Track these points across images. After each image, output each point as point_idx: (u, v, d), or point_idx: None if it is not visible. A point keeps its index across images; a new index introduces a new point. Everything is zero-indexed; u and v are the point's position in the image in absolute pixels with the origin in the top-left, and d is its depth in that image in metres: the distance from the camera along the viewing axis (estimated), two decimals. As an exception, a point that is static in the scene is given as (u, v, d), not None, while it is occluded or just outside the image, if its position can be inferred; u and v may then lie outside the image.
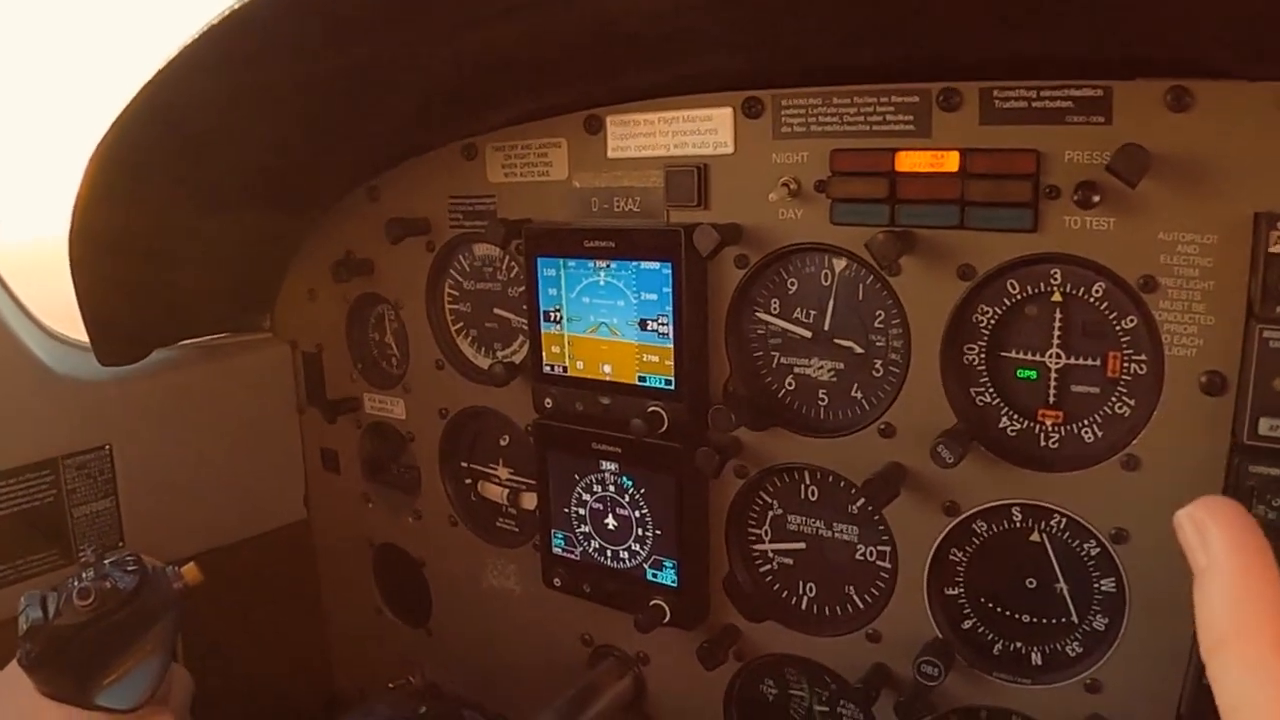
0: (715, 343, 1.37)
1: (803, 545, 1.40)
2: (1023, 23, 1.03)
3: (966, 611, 1.27)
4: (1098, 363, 1.13)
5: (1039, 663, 1.23)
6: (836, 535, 1.36)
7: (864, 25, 1.13)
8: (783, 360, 1.35)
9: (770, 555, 1.43)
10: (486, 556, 1.72)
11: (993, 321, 1.18)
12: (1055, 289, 1.13)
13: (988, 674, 1.24)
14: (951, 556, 1.26)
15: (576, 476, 1.50)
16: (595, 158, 1.42)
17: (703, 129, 1.32)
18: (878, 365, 1.28)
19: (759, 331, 1.36)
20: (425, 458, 1.77)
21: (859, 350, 1.29)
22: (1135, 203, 1.04)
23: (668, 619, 1.42)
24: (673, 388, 1.36)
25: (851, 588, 1.37)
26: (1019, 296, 1.15)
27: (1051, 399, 1.17)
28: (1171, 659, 1.08)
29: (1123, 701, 1.15)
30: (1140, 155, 0.99)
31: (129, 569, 1.24)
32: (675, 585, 1.43)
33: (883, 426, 1.25)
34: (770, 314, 1.34)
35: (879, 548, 1.33)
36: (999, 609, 1.25)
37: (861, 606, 1.36)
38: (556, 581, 1.56)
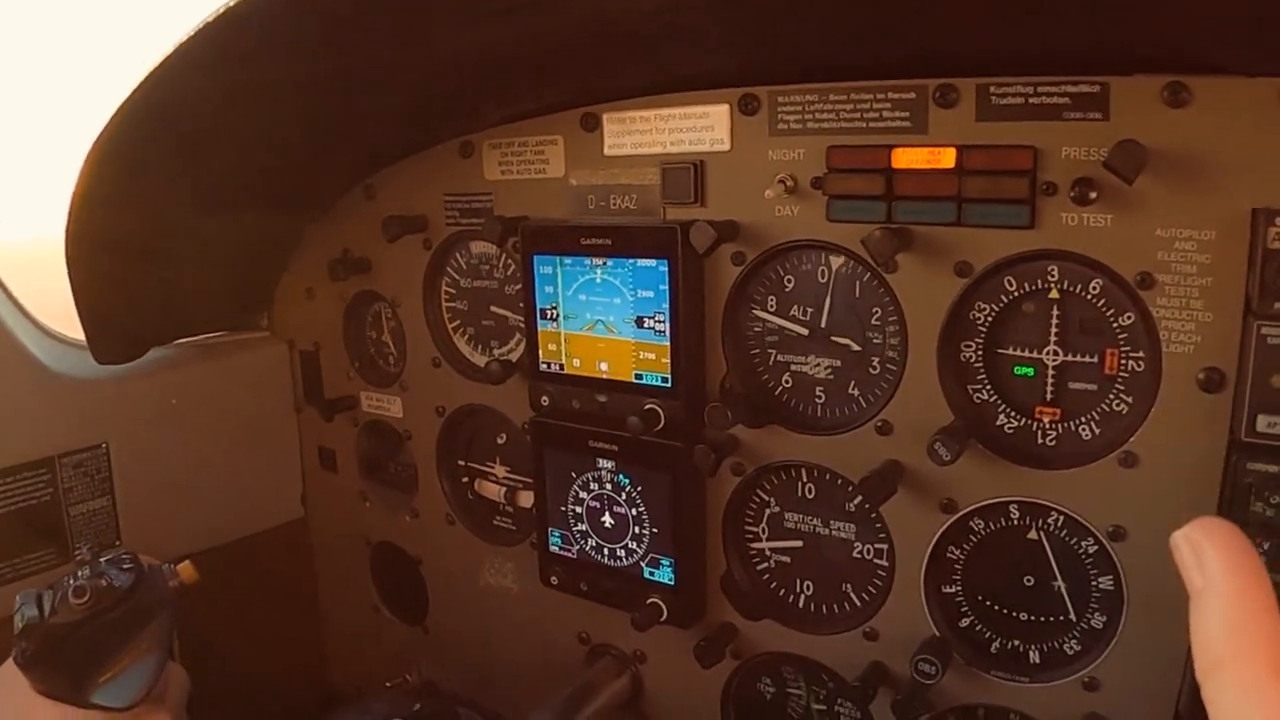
0: (712, 340, 1.36)
1: (800, 543, 1.39)
2: (1020, 19, 1.02)
3: (964, 609, 1.27)
4: (1095, 360, 1.13)
5: (1037, 661, 1.23)
6: (834, 533, 1.36)
7: (861, 23, 1.12)
8: (780, 358, 1.35)
9: (767, 553, 1.43)
10: (483, 555, 1.72)
11: (990, 319, 1.17)
12: (1053, 286, 1.13)
13: (985, 672, 1.24)
14: (949, 554, 1.26)
15: (573, 474, 1.49)
16: (592, 155, 1.42)
17: (699, 126, 1.31)
18: (875, 363, 1.27)
19: (756, 329, 1.36)
20: (422, 456, 1.76)
21: (856, 348, 1.28)
22: (1133, 199, 1.04)
23: (665, 617, 1.42)
24: (669, 385, 1.35)
25: (849, 586, 1.36)
26: (1016, 293, 1.15)
27: (1049, 396, 1.16)
28: (1169, 657, 1.08)
29: (1121, 699, 1.15)
30: (1137, 151, 0.99)
31: (125, 567, 1.24)
32: (672, 583, 1.43)
33: (880, 424, 1.25)
34: (767, 311, 1.34)
35: (876, 546, 1.32)
36: (997, 607, 1.25)
37: (859, 604, 1.36)
38: (553, 580, 1.56)
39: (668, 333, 1.34)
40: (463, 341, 1.69)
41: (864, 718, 1.38)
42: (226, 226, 1.63)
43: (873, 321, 1.26)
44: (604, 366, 1.41)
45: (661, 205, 1.37)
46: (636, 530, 1.45)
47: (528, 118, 1.47)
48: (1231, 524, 0.53)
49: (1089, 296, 1.11)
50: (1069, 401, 1.15)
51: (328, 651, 2.07)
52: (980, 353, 1.19)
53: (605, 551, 1.49)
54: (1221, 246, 1.01)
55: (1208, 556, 0.52)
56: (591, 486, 1.48)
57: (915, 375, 1.21)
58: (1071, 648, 1.20)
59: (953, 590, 1.27)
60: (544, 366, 1.47)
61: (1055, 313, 1.14)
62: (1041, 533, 1.20)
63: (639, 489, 1.43)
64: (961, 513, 1.22)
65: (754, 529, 1.43)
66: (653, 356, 1.36)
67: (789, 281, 1.32)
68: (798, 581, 1.41)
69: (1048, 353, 1.16)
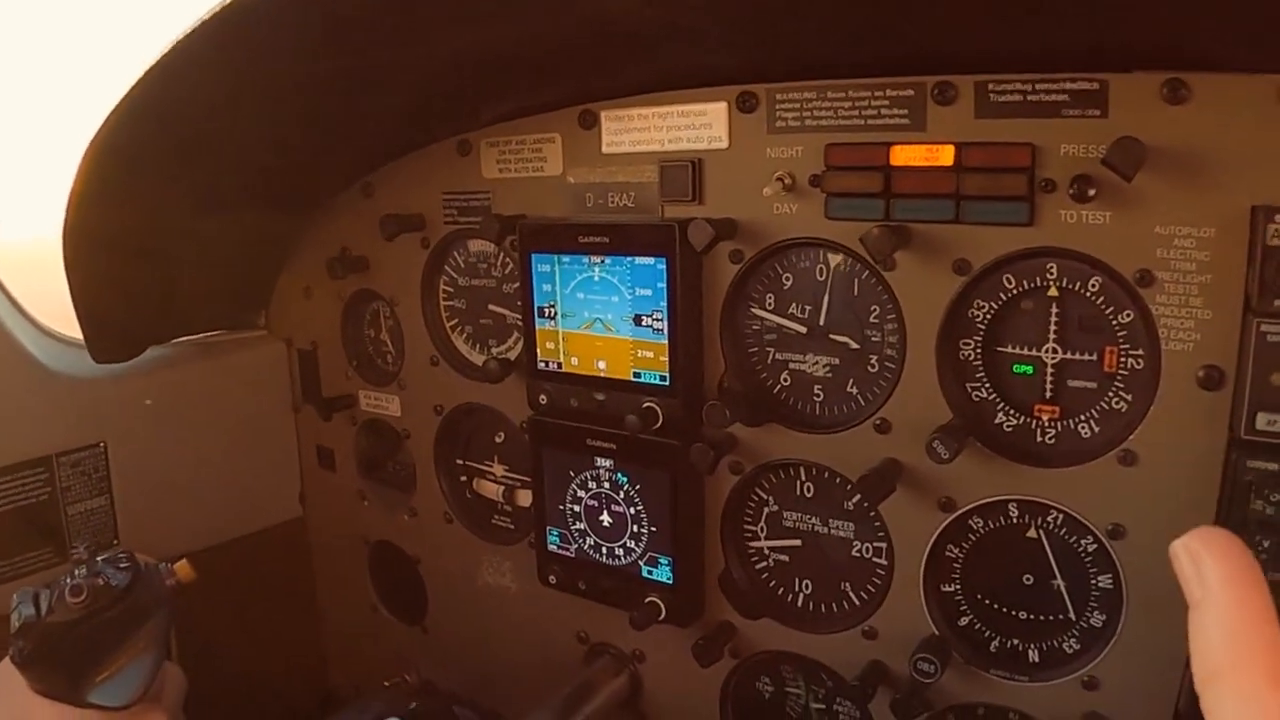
0: (710, 338, 1.36)
1: (798, 542, 1.39)
2: (1018, 16, 1.02)
3: (963, 608, 1.26)
4: (1094, 358, 1.13)
5: (1036, 660, 1.22)
6: (832, 532, 1.36)
7: (860, 22, 1.12)
8: (778, 356, 1.34)
9: (766, 552, 1.42)
10: (482, 554, 1.72)
11: (989, 316, 1.17)
12: (1051, 283, 1.13)
13: (985, 671, 1.23)
14: (948, 553, 1.25)
15: (571, 473, 1.49)
16: (590, 153, 1.42)
17: (697, 124, 1.31)
18: (873, 361, 1.27)
19: (754, 327, 1.35)
20: (420, 455, 1.76)
21: (854, 346, 1.28)
22: (1131, 196, 1.04)
23: (663, 616, 1.42)
24: (667, 384, 1.35)
25: (847, 584, 1.36)
26: (1015, 291, 1.15)
27: (1048, 394, 1.16)
28: (1169, 655, 1.07)
29: (1120, 698, 1.14)
30: (1136, 148, 0.99)
31: (121, 566, 1.24)
32: (670, 582, 1.43)
33: (878, 422, 1.24)
34: (765, 309, 1.33)
35: (875, 544, 1.32)
36: (996, 606, 1.25)
37: (858, 603, 1.36)
38: (552, 579, 1.56)
39: (666, 331, 1.34)
40: (461, 340, 1.69)
41: (863, 717, 1.38)
42: (224, 225, 1.63)
43: (871, 319, 1.26)
44: (602, 365, 1.41)
45: (659, 203, 1.36)
46: (635, 529, 1.45)
47: (525, 115, 1.47)
48: (1231, 534, 0.53)
49: (1088, 294, 1.11)
50: (1068, 399, 1.15)
51: (326, 651, 2.06)
52: (979, 351, 1.19)
53: (603, 550, 1.49)
54: (1221, 244, 1.00)
55: (1207, 566, 0.52)
56: (590, 485, 1.48)
57: (914, 373, 1.21)
58: (1071, 646, 1.19)
59: (952, 589, 1.26)
60: (542, 365, 1.47)
61: (1054, 310, 1.14)
62: (1041, 531, 1.19)
63: (637, 488, 1.43)
64: (960, 511, 1.21)
65: (752, 528, 1.43)
66: (651, 355, 1.36)
67: (787, 279, 1.31)
68: (796, 580, 1.41)
69: (1047, 350, 1.15)
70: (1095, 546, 1.15)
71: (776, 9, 1.09)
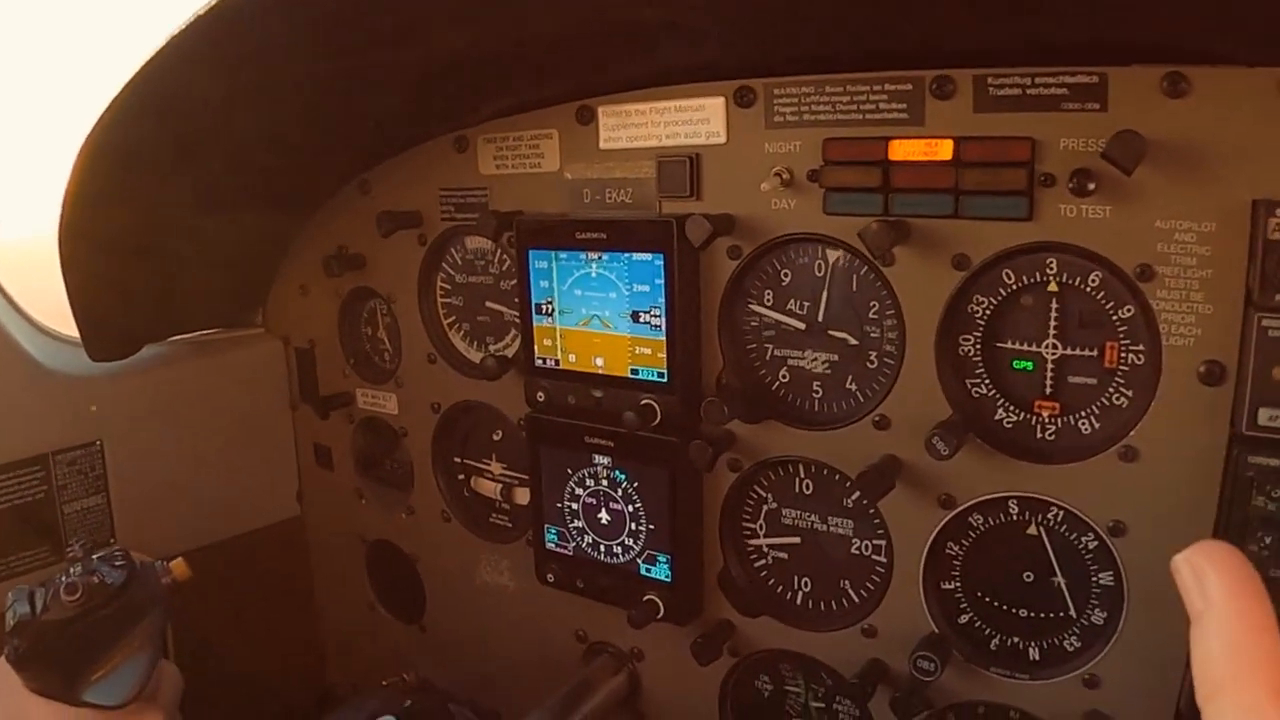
0: (708, 335, 1.35)
1: (797, 539, 1.38)
2: (1017, 8, 1.01)
3: (963, 606, 1.25)
4: (1095, 353, 1.12)
5: (1037, 658, 1.22)
6: (831, 529, 1.35)
7: (858, 16, 1.12)
8: (776, 352, 1.34)
9: (765, 550, 1.42)
10: (480, 552, 1.71)
11: (988, 312, 1.16)
12: (1051, 278, 1.12)
13: (985, 669, 1.23)
14: (948, 550, 1.25)
15: (569, 471, 1.49)
16: (587, 149, 1.41)
17: (695, 119, 1.30)
18: (872, 357, 1.26)
19: (752, 323, 1.35)
20: (418, 453, 1.75)
21: (853, 342, 1.27)
22: (1131, 190, 1.03)
23: (661, 614, 1.41)
24: (665, 380, 1.35)
25: (847, 582, 1.35)
26: (1015, 286, 1.14)
27: (1048, 390, 1.15)
28: (1171, 653, 1.06)
29: (1121, 696, 1.14)
30: (1136, 142, 0.98)
31: (117, 564, 1.24)
32: (669, 580, 1.42)
33: (877, 419, 1.24)
34: (764, 305, 1.33)
35: (874, 542, 1.31)
36: (996, 603, 1.24)
37: (857, 601, 1.35)
38: (550, 577, 1.55)
39: (664, 327, 1.33)
40: (458, 337, 1.69)
41: (863, 715, 1.37)
42: (221, 223, 1.63)
43: (870, 315, 1.25)
44: (600, 362, 1.40)
45: (657, 199, 1.36)
46: (633, 526, 1.44)
47: (523, 111, 1.46)
48: (1232, 547, 0.53)
49: (1088, 289, 1.10)
50: (1068, 395, 1.14)
51: (324, 650, 2.06)
52: (978, 346, 1.18)
53: (602, 548, 1.48)
54: (1222, 238, 1.00)
55: (1209, 579, 0.52)
56: (588, 483, 1.47)
57: (913, 369, 1.20)
58: (1071, 644, 1.19)
59: (952, 586, 1.26)
60: (539, 362, 1.47)
61: (1054, 306, 1.13)
62: (1041, 528, 1.19)
63: (635, 485, 1.42)
64: (960, 508, 1.21)
65: (751, 525, 1.42)
66: (649, 351, 1.35)
67: (785, 275, 1.30)
68: (795, 578, 1.40)
69: (1047, 346, 1.15)
70: (1096, 543, 1.14)
71: (776, 7, 1.08)
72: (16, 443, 1.54)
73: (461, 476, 1.75)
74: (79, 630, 1.17)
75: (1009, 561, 1.21)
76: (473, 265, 1.63)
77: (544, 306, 1.44)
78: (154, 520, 1.70)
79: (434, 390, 1.69)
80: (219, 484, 1.80)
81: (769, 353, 1.34)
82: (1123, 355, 1.10)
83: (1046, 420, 1.16)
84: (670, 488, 1.39)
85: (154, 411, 1.69)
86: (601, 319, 1.39)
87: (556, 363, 1.45)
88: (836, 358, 1.29)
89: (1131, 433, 1.08)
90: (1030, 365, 1.16)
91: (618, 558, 1.47)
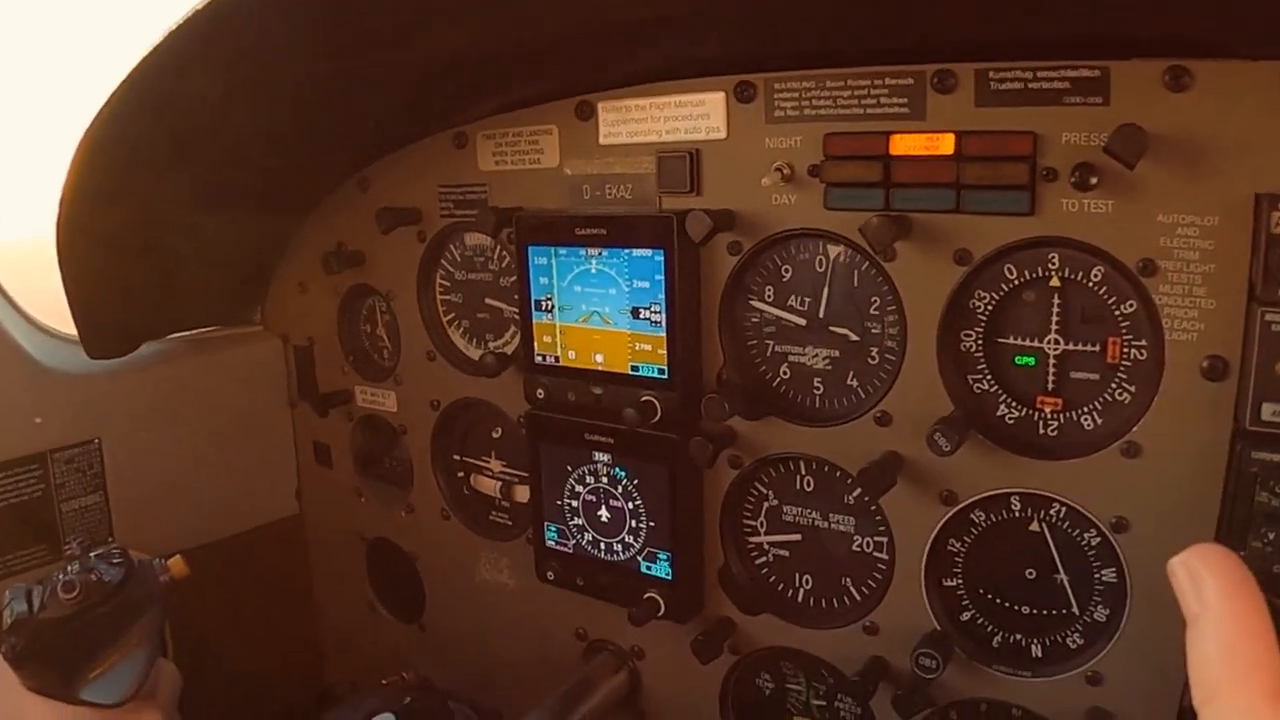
0: (709, 331, 1.35)
1: (799, 537, 1.38)
2: (1019, 2, 1.01)
3: (965, 603, 1.25)
4: (1097, 348, 1.12)
5: (1039, 655, 1.21)
6: (833, 526, 1.35)
7: (859, 11, 1.11)
8: (777, 348, 1.33)
9: (766, 547, 1.41)
10: (479, 550, 1.71)
11: (990, 307, 1.16)
12: (1053, 273, 1.12)
13: (987, 666, 1.22)
14: (950, 547, 1.24)
15: (569, 468, 1.48)
16: (587, 144, 1.41)
17: (695, 114, 1.30)
18: (873, 353, 1.26)
19: (753, 319, 1.34)
20: (417, 451, 1.75)
21: (854, 338, 1.27)
22: (1134, 184, 1.02)
23: (662, 612, 1.40)
24: (666, 377, 1.34)
25: (848, 579, 1.35)
26: (1016, 281, 1.14)
27: (1050, 386, 1.15)
28: (1174, 650, 1.05)
29: (1124, 694, 1.13)
30: (1138, 136, 0.98)
31: (114, 562, 1.23)
32: (669, 578, 1.42)
33: (879, 415, 1.23)
34: (764, 301, 1.32)
35: (876, 538, 1.31)
36: (998, 600, 1.23)
37: (858, 598, 1.34)
38: (550, 575, 1.54)
39: (664, 324, 1.32)
40: (457, 335, 1.68)
41: (864, 713, 1.37)
42: (219, 221, 1.62)
43: (871, 311, 1.25)
44: (600, 358, 1.40)
45: (657, 194, 1.35)
46: (633, 524, 1.44)
47: (522, 107, 1.46)
48: (1229, 550, 0.54)
49: (1090, 284, 1.10)
50: (1070, 391, 1.14)
51: (323, 648, 2.05)
52: (980, 342, 1.17)
53: (602, 546, 1.48)
54: (1224, 232, 0.99)
55: (1205, 582, 0.52)
56: (588, 480, 1.47)
57: (914, 365, 1.20)
58: (1074, 641, 1.18)
59: (954, 583, 1.25)
60: (539, 359, 1.46)
61: (1056, 301, 1.12)
62: (1043, 524, 1.18)
63: (635, 482, 1.42)
64: (962, 504, 1.20)
65: (752, 522, 1.41)
66: (649, 348, 1.35)
67: (786, 271, 1.30)
68: (796, 575, 1.39)
69: (1049, 342, 1.14)
70: (1099, 540, 1.14)
71: (775, 4, 1.08)
72: (14, 441, 1.53)
73: (461, 474, 1.74)
74: (76, 628, 1.16)
75: (1011, 558, 1.21)
76: (472, 262, 1.63)
77: (544, 303, 1.43)
78: (152, 518, 1.69)
79: (433, 388, 1.69)
80: (217, 482, 1.79)
81: (770, 349, 1.34)
82: (1125, 350, 1.09)
83: (1049, 416, 1.15)
84: (670, 485, 1.38)
85: (152, 409, 1.69)
86: (601, 315, 1.38)
87: (556, 359, 1.44)
88: (837, 354, 1.29)
89: (1134, 428, 1.08)
90: (1032, 361, 1.16)
91: (618, 555, 1.46)
